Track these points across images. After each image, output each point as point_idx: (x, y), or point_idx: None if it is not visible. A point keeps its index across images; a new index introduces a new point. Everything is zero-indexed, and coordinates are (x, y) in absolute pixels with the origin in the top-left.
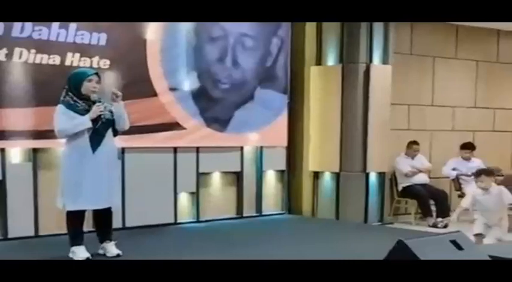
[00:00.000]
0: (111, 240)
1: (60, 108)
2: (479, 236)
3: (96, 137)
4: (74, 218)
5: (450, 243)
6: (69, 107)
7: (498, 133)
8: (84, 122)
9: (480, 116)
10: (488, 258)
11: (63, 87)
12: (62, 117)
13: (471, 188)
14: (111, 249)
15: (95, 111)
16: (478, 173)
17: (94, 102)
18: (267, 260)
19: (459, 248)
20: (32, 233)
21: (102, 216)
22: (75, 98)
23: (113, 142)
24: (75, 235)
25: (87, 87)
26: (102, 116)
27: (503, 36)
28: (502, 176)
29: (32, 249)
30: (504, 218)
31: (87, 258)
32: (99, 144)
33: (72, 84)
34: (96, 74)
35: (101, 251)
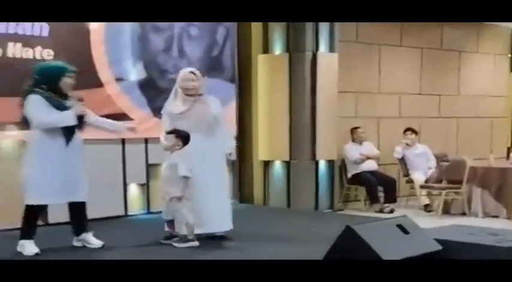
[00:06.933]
0: (88, 231)
1: (36, 98)
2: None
3: (69, 130)
4: (34, 212)
5: (396, 228)
6: (47, 99)
7: (443, 119)
8: (70, 118)
9: (425, 102)
10: (434, 241)
11: (32, 77)
12: (40, 108)
13: (418, 174)
14: (93, 240)
15: (81, 109)
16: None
17: (66, 98)
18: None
19: (405, 232)
20: None
21: (78, 209)
22: (50, 92)
23: (79, 136)
24: (30, 229)
25: (66, 83)
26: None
27: (446, 24)
28: (448, 161)
29: None
30: None
31: (36, 254)
32: (71, 138)
33: (47, 77)
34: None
35: (77, 243)
